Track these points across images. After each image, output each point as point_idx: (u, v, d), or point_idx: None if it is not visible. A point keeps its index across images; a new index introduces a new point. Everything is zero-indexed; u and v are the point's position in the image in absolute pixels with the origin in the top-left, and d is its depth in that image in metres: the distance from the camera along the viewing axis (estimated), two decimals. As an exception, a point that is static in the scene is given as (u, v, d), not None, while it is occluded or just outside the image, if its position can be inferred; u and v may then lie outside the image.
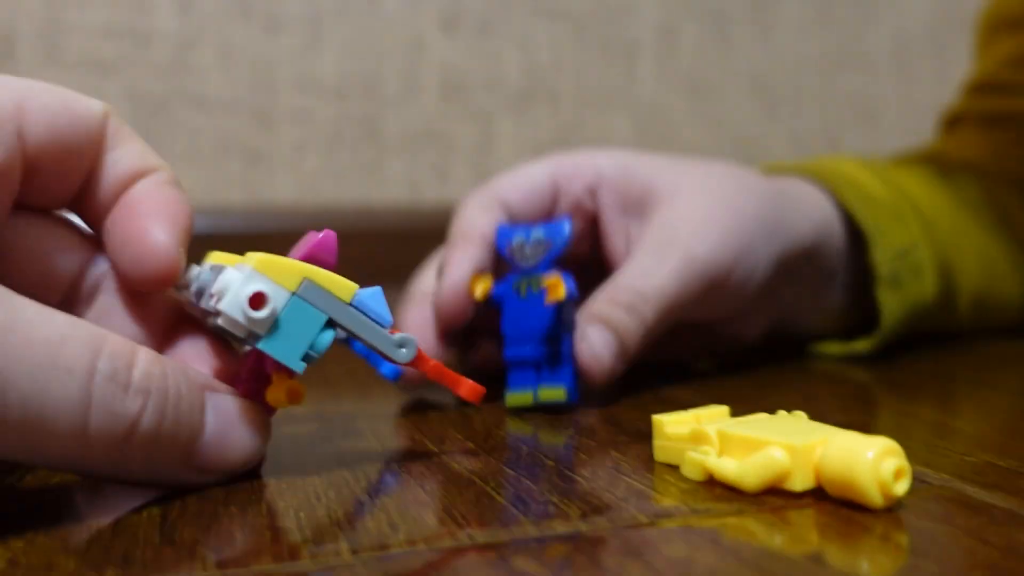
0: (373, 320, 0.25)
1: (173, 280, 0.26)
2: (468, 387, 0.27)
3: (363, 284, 0.25)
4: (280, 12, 0.77)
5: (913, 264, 0.44)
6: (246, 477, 0.26)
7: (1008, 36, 0.59)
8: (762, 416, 0.27)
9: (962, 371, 0.44)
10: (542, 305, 0.34)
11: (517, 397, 0.34)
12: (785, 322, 0.45)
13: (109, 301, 0.27)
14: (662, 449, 0.27)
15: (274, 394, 0.25)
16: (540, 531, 0.22)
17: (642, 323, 0.35)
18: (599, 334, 0.34)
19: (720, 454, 0.25)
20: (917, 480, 0.24)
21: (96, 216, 0.27)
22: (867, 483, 0.22)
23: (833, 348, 0.46)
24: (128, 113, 0.73)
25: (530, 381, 0.34)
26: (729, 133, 0.92)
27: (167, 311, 0.28)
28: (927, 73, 0.99)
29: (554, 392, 0.33)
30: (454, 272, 0.35)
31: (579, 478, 0.26)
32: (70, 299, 0.27)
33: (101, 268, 0.27)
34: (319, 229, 0.27)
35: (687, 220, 0.38)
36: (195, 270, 0.27)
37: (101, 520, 0.23)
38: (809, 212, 0.42)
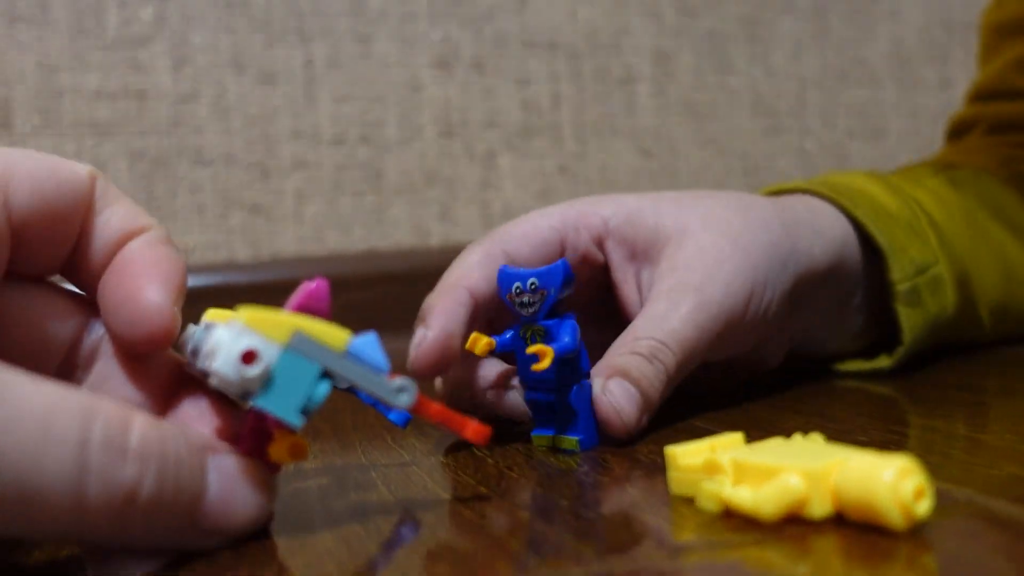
0: (369, 367, 0.25)
1: (169, 340, 0.26)
2: (474, 429, 0.26)
3: (376, 329, 0.25)
4: (273, 63, 0.77)
5: (932, 279, 0.43)
6: (255, 537, 0.25)
7: (1014, 41, 0.59)
8: (777, 441, 0.26)
9: (987, 382, 0.43)
10: None
11: (541, 438, 0.35)
12: (804, 345, 0.45)
13: (107, 365, 0.27)
14: (677, 481, 0.26)
15: (277, 451, 0.25)
16: (555, 574, 0.21)
17: (664, 371, 0.35)
18: (620, 388, 0.33)
19: (735, 483, 0.24)
20: (941, 497, 0.24)
21: (89, 280, 0.27)
22: (887, 505, 0.21)
23: (854, 366, 0.45)
24: (127, 172, 0.74)
25: (549, 425, 0.34)
26: (735, 154, 0.92)
27: (167, 372, 0.27)
28: (930, 81, 0.98)
29: (569, 442, 0.34)
30: (433, 328, 0.35)
31: (594, 517, 0.25)
32: (67, 366, 0.27)
33: (97, 333, 0.27)
34: (325, 276, 0.26)
35: (697, 262, 0.37)
36: (191, 329, 0.26)
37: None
38: (823, 233, 0.41)
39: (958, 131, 0.62)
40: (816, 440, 0.26)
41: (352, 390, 0.31)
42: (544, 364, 0.32)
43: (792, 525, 0.23)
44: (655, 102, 0.89)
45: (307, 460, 0.35)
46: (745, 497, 0.23)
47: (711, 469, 0.25)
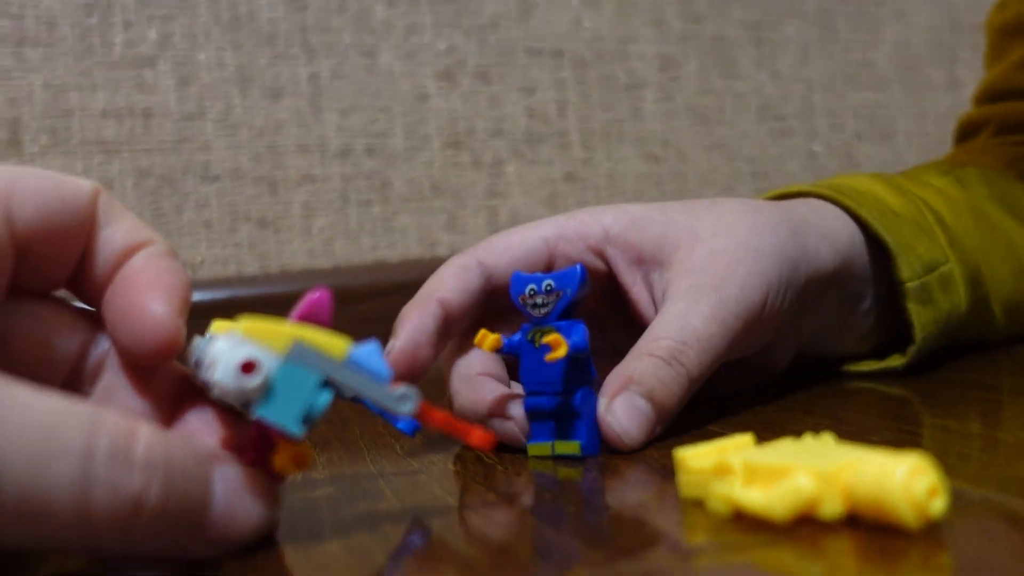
0: (370, 375, 0.24)
1: (174, 352, 0.26)
2: (479, 436, 0.26)
3: (386, 339, 0.25)
4: (278, 78, 0.77)
5: (942, 276, 0.43)
6: (262, 546, 0.25)
7: (1020, 41, 0.59)
8: (787, 441, 0.26)
9: (1000, 380, 0.42)
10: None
11: (537, 448, 0.34)
12: (813, 347, 0.44)
13: (114, 378, 0.27)
14: (687, 484, 0.26)
15: (280, 460, 0.25)
16: (562, 581, 0.21)
17: (685, 374, 0.34)
18: (625, 408, 0.33)
19: (745, 485, 0.24)
20: (956, 497, 0.23)
21: (94, 294, 0.27)
22: (900, 505, 0.21)
23: (866, 367, 0.44)
24: (134, 189, 0.74)
25: (549, 432, 0.34)
26: (743, 159, 0.91)
27: (173, 384, 0.27)
28: (938, 83, 0.98)
29: (569, 447, 0.33)
30: (400, 339, 0.36)
31: (603, 522, 0.25)
32: (74, 379, 0.27)
33: (103, 347, 0.27)
34: (333, 288, 0.26)
35: (711, 265, 0.37)
36: (195, 341, 0.26)
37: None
38: (830, 235, 0.41)
39: (966, 132, 0.62)
40: (827, 440, 0.25)
41: (359, 400, 0.31)
42: (560, 353, 0.32)
43: (804, 526, 0.22)
44: (662, 108, 0.89)
45: (315, 469, 0.35)
46: (756, 498, 0.23)
47: (721, 471, 0.25)
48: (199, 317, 0.28)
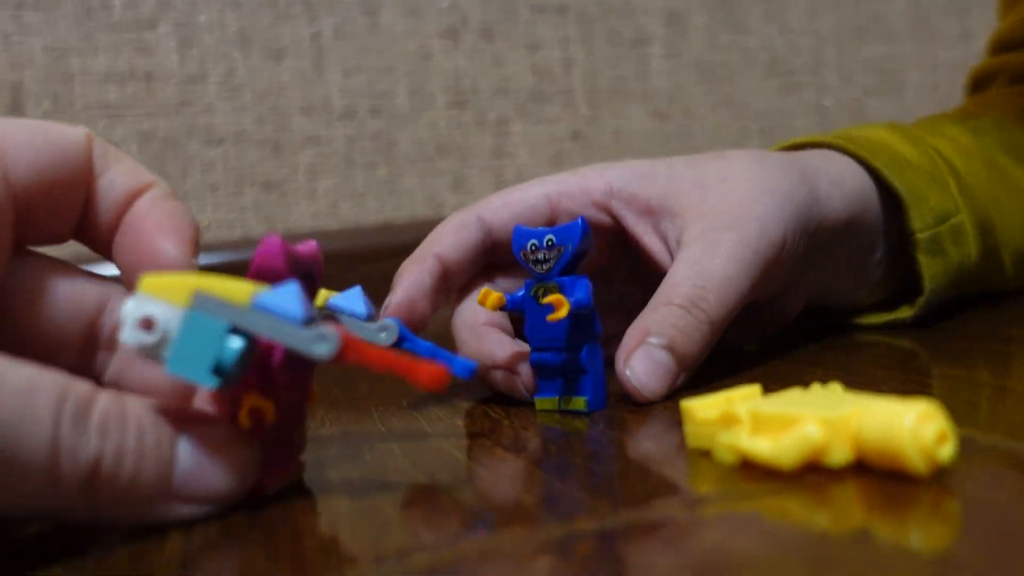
0: (281, 318, 0.23)
1: None
2: (426, 373, 0.22)
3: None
4: (280, 39, 0.77)
5: (953, 227, 0.43)
6: (270, 501, 0.25)
7: None
8: (795, 391, 0.26)
9: (1011, 330, 0.42)
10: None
11: (544, 402, 0.34)
12: (825, 297, 0.44)
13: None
14: (694, 435, 0.26)
15: (241, 416, 0.25)
16: (568, 530, 0.21)
17: (706, 319, 0.34)
18: (644, 364, 0.32)
19: (752, 434, 0.24)
20: (965, 444, 0.23)
21: (102, 241, 0.27)
22: (909, 451, 0.21)
23: (875, 319, 0.44)
24: (139, 152, 0.74)
25: (556, 386, 0.34)
26: (751, 115, 0.90)
27: None
28: (950, 34, 0.96)
29: (576, 403, 0.33)
30: (397, 295, 0.36)
31: (609, 472, 0.25)
32: (90, 345, 0.27)
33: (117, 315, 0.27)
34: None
35: (724, 207, 0.36)
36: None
37: (120, 554, 0.22)
38: (842, 184, 0.41)
39: (979, 83, 0.61)
40: (835, 389, 0.25)
41: (402, 344, 0.31)
42: (561, 314, 0.32)
43: (811, 474, 0.22)
44: (668, 64, 0.88)
45: (322, 427, 0.35)
46: (763, 447, 0.23)
47: (728, 421, 0.24)
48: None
